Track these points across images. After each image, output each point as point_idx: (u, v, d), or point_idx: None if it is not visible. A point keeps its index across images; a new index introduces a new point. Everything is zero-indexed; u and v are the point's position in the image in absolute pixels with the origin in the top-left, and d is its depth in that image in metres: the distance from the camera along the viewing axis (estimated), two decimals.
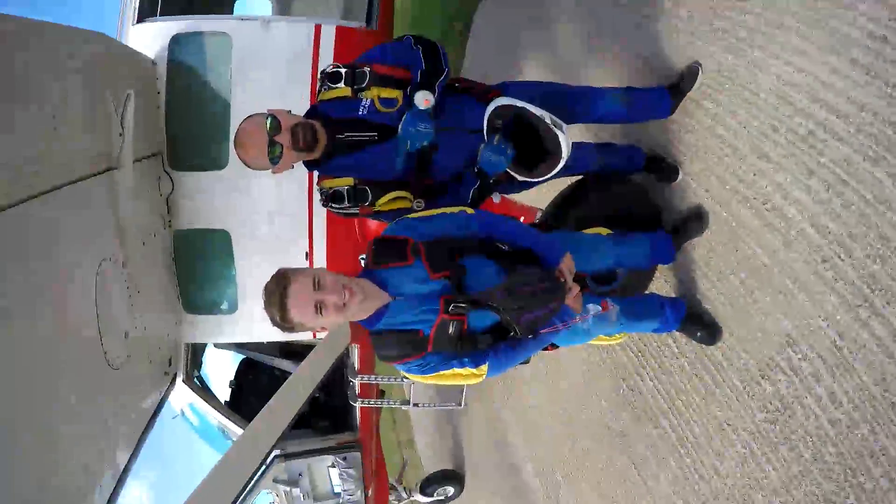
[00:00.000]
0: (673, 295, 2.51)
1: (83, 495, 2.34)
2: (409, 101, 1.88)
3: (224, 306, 3.60)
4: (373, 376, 4.23)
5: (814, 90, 1.94)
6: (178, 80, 3.20)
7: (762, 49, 2.14)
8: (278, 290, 1.53)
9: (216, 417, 3.97)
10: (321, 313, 1.56)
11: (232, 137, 1.95)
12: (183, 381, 3.61)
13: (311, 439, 4.32)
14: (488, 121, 1.96)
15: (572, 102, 2.24)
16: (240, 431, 3.79)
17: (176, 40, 3.15)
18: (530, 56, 4.58)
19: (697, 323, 2.32)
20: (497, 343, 1.80)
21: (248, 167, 1.92)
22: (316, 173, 2.06)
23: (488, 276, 1.73)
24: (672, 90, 2.43)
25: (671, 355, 2.60)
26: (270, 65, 3.22)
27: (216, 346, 4.26)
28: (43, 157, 2.10)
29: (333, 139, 1.92)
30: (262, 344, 4.25)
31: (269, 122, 1.82)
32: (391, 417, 9.45)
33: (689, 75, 2.41)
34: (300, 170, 2.08)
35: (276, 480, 4.18)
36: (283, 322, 1.56)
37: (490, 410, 5.12)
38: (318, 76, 2.00)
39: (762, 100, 2.13)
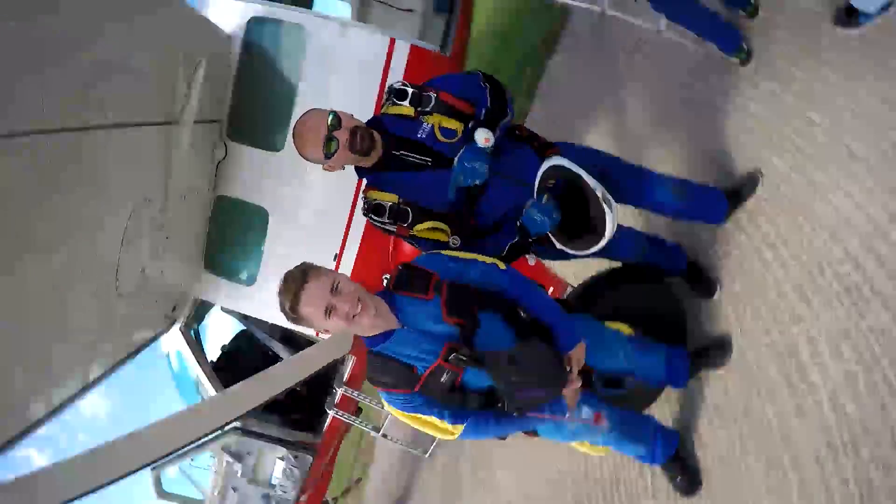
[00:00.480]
0: (670, 424, 2.40)
1: (40, 388, 2.40)
2: (468, 135, 1.87)
3: (243, 277, 3.68)
4: (357, 392, 4.23)
5: (868, 236, 1.82)
6: (250, 59, 3.33)
7: (825, 172, 2.04)
8: (297, 282, 1.57)
9: (196, 371, 4.04)
10: (329, 317, 1.58)
11: (292, 126, 1.99)
12: (180, 329, 3.71)
13: (274, 426, 4.34)
14: (541, 178, 1.94)
15: (627, 180, 2.20)
16: (212, 391, 3.84)
17: (254, 22, 3.29)
18: (594, 116, 4.52)
19: (681, 467, 2.22)
20: (483, 408, 1.77)
21: (303, 157, 1.94)
22: (365, 182, 2.07)
23: (499, 338, 1.71)
24: (729, 195, 2.36)
25: (643, 492, 2.48)
26: (341, 67, 3.32)
27: (223, 309, 4.34)
28: (112, 95, 2.24)
29: (389, 153, 1.94)
30: (265, 323, 4.31)
31: (330, 117, 1.84)
32: (359, 436, 9.34)
33: (750, 183, 2.33)
34: (350, 175, 2.10)
35: (224, 448, 4.25)
36: (291, 312, 1.59)
37: (452, 471, 4.99)
38: (385, 90, 2.04)
39: (815, 232, 2.01)
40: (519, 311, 1.82)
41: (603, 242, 1.92)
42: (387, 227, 2.02)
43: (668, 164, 2.90)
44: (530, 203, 1.93)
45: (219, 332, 5.25)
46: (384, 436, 4.80)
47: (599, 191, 1.87)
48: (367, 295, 1.67)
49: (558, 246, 2.02)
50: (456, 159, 1.86)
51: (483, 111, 1.92)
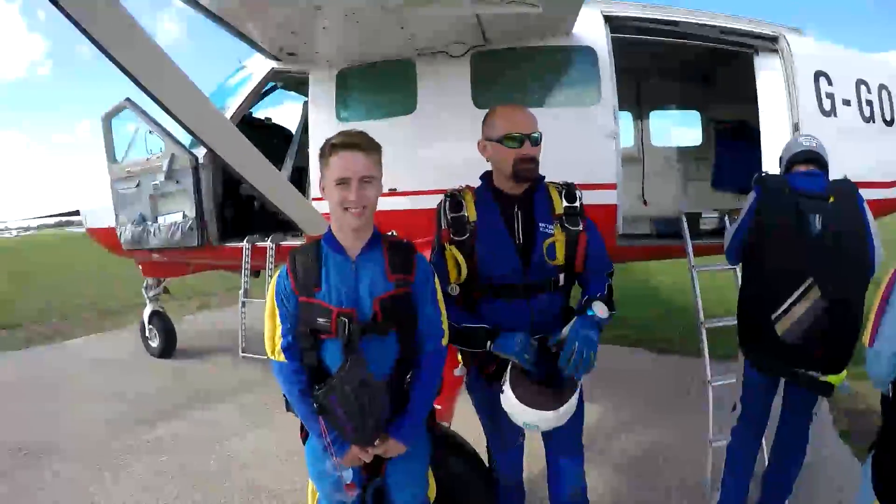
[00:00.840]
0: None
1: None
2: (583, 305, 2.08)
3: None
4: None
5: None
6: None
7: None
8: (360, 140, 1.81)
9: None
10: (339, 184, 1.78)
11: None
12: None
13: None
14: (556, 338, 2.03)
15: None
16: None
17: None
18: None
19: None
20: (310, 374, 1.87)
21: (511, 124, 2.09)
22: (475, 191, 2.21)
23: (382, 357, 1.86)
24: None
25: None
26: None
27: None
28: None
29: (509, 206, 2.15)
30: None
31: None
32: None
33: None
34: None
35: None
36: (330, 146, 1.82)
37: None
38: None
39: None
40: (407, 375, 1.94)
41: (546, 415, 1.94)
42: (444, 217, 2.14)
43: None
44: (522, 336, 2.01)
45: None
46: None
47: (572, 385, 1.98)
48: (371, 214, 1.84)
49: (505, 386, 2.00)
50: (574, 326, 1.96)
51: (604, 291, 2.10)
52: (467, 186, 2.22)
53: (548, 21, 3.45)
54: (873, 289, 2.01)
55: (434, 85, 4.04)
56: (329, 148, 1.82)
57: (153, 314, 6.70)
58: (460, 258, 2.10)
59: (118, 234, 5.20)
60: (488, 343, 2.04)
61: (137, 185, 4.99)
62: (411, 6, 3.06)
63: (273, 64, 4.36)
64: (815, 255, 2.44)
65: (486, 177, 2.23)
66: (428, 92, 4.05)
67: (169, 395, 5.45)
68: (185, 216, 4.77)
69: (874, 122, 4.41)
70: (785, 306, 2.45)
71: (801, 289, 2.43)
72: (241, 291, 4.75)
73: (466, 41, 3.86)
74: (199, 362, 6.50)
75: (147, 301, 6.68)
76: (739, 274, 3.70)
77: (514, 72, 4.06)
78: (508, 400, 1.99)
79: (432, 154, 4.05)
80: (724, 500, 2.96)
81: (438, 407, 2.48)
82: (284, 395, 1.95)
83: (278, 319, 1.87)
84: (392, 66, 4.12)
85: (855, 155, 4.11)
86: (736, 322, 2.85)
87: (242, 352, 4.67)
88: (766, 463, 3.13)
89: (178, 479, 3.81)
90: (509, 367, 2.03)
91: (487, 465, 2.53)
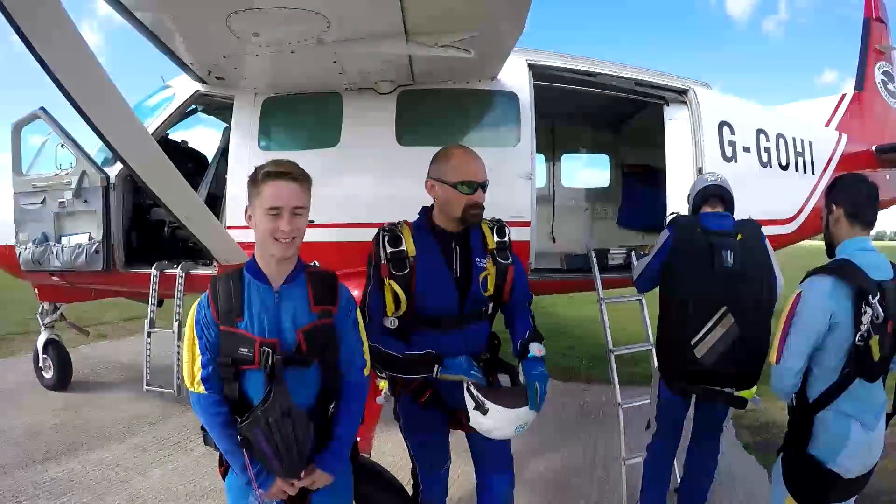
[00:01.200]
0: None
1: None
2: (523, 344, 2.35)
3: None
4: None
5: None
6: None
7: None
8: (290, 170, 1.80)
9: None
10: (269, 213, 1.77)
11: None
12: None
13: None
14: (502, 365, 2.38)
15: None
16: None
17: None
18: None
19: None
20: (232, 405, 1.83)
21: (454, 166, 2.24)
22: (416, 229, 2.29)
23: (305, 387, 1.85)
24: None
25: None
26: None
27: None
28: None
29: (449, 243, 2.29)
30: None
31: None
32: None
33: None
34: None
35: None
36: (262, 174, 1.80)
37: None
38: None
39: None
40: (330, 406, 1.94)
41: (530, 411, 2.14)
42: (382, 252, 2.21)
43: None
44: (464, 357, 2.20)
45: None
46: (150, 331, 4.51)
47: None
48: (299, 244, 1.84)
49: (487, 405, 2.13)
50: (527, 371, 2.22)
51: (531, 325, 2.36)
52: (404, 221, 2.32)
53: (475, 65, 3.64)
54: (777, 314, 2.32)
55: (359, 120, 4.13)
56: (262, 176, 1.80)
57: (48, 342, 6.16)
58: (400, 292, 2.19)
59: (17, 253, 4.81)
60: (435, 368, 2.15)
61: (42, 202, 4.66)
62: (348, 42, 3.15)
63: (199, 86, 4.30)
64: (728, 285, 2.71)
65: (425, 212, 2.35)
66: (352, 126, 4.13)
67: (65, 431, 5.01)
68: (91, 238, 4.50)
69: (771, 166, 5.02)
70: (703, 332, 2.71)
71: (717, 316, 2.69)
72: (147, 321, 4.47)
73: (395, 79, 4.00)
74: (96, 396, 6.02)
75: (42, 328, 6.16)
76: (645, 304, 4.04)
77: (439, 111, 4.24)
78: (495, 414, 2.10)
79: (353, 187, 4.12)
80: (651, 496, 3.22)
81: (359, 438, 2.47)
82: (202, 428, 1.89)
83: (198, 350, 1.82)
84: (319, 99, 4.18)
85: (754, 196, 4.61)
86: (642, 348, 3.10)
87: (147, 384, 4.38)
88: (679, 479, 3.42)
89: None
90: (467, 389, 2.15)
91: (411, 493, 2.58)
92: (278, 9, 2.73)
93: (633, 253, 4.29)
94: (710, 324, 2.70)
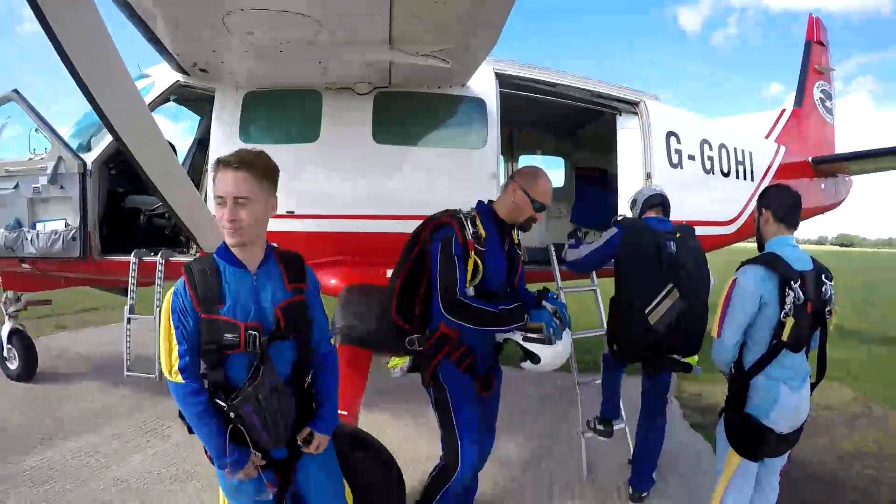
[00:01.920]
0: None
1: None
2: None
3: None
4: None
5: None
6: None
7: None
8: (243, 160, 1.79)
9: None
10: (228, 204, 1.78)
11: None
12: None
13: None
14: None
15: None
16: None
17: None
18: None
19: None
20: (211, 392, 1.88)
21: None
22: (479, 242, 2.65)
23: (283, 363, 1.94)
24: None
25: None
26: None
27: None
28: None
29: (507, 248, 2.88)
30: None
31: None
32: None
33: None
34: None
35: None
36: (224, 161, 1.81)
37: None
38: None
39: None
40: (305, 379, 2.00)
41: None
42: (467, 230, 2.60)
43: None
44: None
45: None
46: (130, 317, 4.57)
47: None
48: (255, 230, 1.84)
49: (544, 345, 2.61)
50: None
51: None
52: (472, 209, 2.78)
53: (449, 72, 3.94)
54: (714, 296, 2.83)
55: (338, 118, 4.36)
56: (215, 164, 1.83)
57: (13, 332, 6.10)
58: (480, 264, 2.60)
59: None
60: (525, 316, 2.57)
61: (15, 187, 4.66)
62: (335, 46, 3.39)
63: (179, 77, 4.38)
64: (672, 268, 3.31)
65: (490, 205, 2.83)
66: (331, 123, 4.35)
67: (36, 421, 5.00)
68: (67, 225, 4.54)
69: (714, 173, 5.60)
70: (654, 303, 3.27)
71: (665, 291, 3.27)
72: (127, 308, 4.49)
73: (373, 81, 4.26)
74: (61, 387, 5.99)
75: (6, 317, 6.09)
76: (599, 293, 4.47)
77: (413, 113, 4.53)
78: (552, 349, 2.60)
79: (331, 181, 4.36)
80: (605, 407, 4.00)
81: (344, 413, 2.72)
82: (180, 414, 1.93)
83: (174, 339, 1.82)
84: (299, 95, 4.38)
85: (698, 199, 5.29)
86: (595, 334, 3.68)
87: (128, 370, 4.39)
88: (632, 449, 3.94)
89: None
90: (522, 339, 2.62)
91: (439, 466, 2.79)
92: (276, 11, 2.91)
93: (576, 236, 4.47)
94: (660, 296, 3.25)
